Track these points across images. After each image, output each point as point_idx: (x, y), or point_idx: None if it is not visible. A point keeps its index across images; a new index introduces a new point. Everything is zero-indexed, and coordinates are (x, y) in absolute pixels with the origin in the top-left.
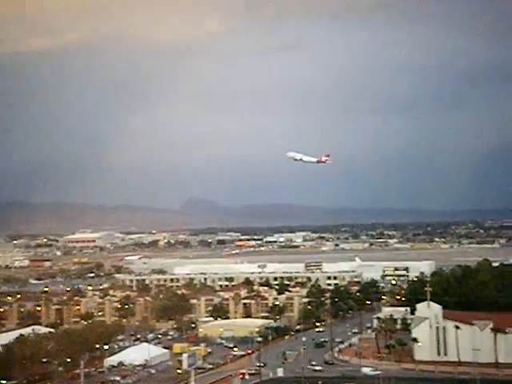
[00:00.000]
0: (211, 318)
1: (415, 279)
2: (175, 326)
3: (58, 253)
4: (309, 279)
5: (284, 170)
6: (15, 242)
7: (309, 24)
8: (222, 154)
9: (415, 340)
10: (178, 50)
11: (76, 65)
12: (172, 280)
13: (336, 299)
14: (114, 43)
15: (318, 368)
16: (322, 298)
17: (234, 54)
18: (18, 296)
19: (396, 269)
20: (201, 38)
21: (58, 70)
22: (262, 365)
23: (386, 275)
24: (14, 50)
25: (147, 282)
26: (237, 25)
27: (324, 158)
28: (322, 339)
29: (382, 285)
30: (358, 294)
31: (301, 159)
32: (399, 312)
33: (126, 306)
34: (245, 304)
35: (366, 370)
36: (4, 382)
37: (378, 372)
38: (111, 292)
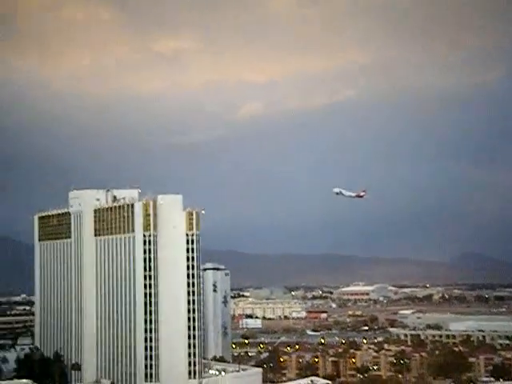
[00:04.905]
0: (492, 378)
1: None
2: None
3: (333, 305)
4: None
5: None
6: (293, 293)
7: None
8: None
9: None
10: None
11: None
12: (448, 336)
13: None
14: None
15: None
16: None
17: None
18: (297, 346)
19: None
20: None
21: None
22: None
23: None
24: None
25: (422, 337)
26: None
27: (362, 193)
28: None
29: None
30: None
31: (340, 192)
32: None
33: (402, 361)
34: None
35: None
36: None
37: None
38: (386, 346)
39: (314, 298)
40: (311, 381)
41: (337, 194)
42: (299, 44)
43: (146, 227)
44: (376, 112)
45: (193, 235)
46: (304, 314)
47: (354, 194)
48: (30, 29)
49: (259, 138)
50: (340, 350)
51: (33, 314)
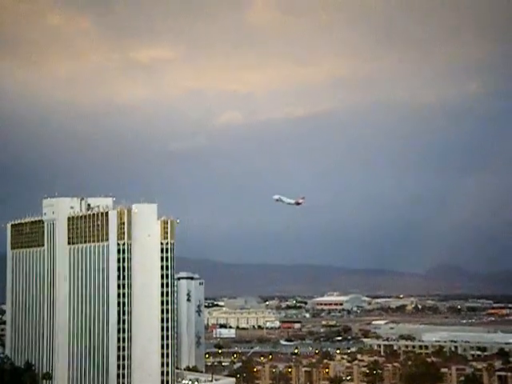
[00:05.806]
0: None
1: None
2: None
3: (307, 315)
4: None
5: None
6: (267, 303)
7: None
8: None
9: None
10: None
11: None
12: (421, 347)
13: None
14: None
15: None
16: None
17: None
18: (270, 356)
19: None
20: None
21: None
22: None
23: None
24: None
25: (395, 347)
26: None
27: (300, 200)
28: None
29: None
30: None
31: (280, 199)
32: None
33: (375, 372)
34: (500, 376)
35: None
36: None
37: None
38: (359, 356)
39: (288, 307)
40: None
41: (276, 200)
42: (281, 54)
43: (120, 236)
44: (357, 123)
45: (167, 244)
46: (278, 323)
47: (293, 201)
48: (7, 36)
49: (238, 147)
50: (313, 360)
51: (4, 323)
